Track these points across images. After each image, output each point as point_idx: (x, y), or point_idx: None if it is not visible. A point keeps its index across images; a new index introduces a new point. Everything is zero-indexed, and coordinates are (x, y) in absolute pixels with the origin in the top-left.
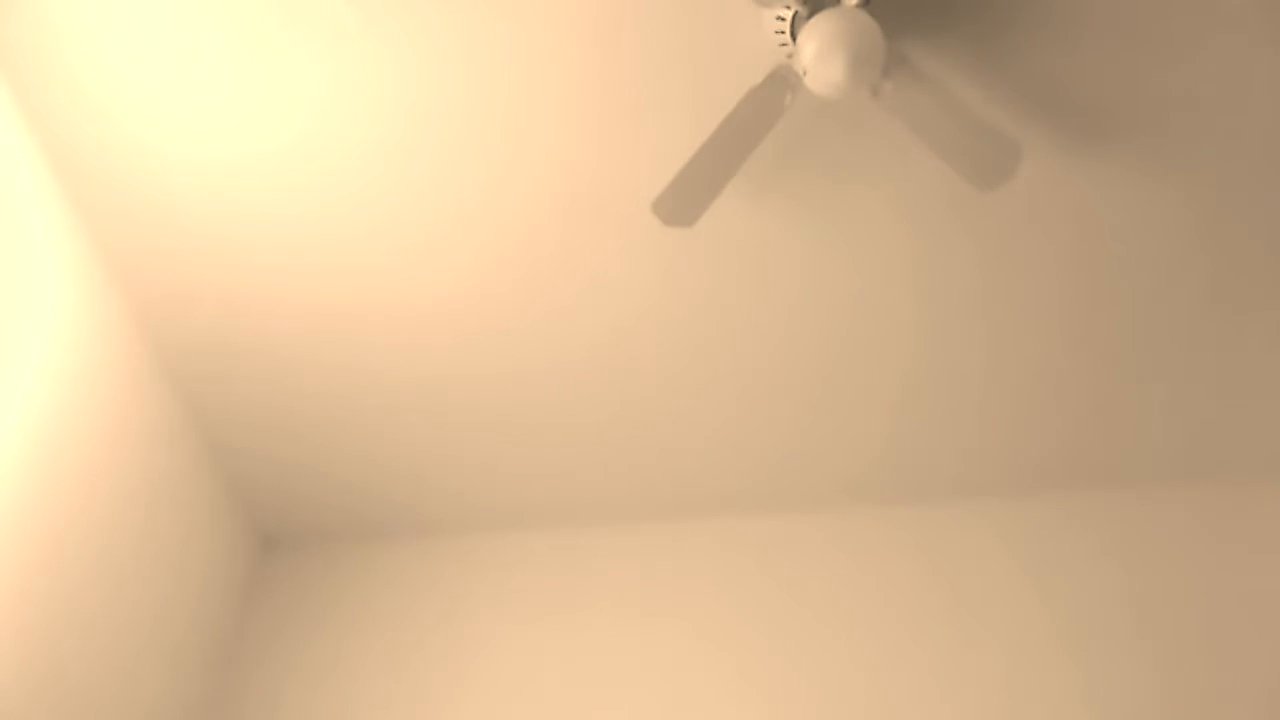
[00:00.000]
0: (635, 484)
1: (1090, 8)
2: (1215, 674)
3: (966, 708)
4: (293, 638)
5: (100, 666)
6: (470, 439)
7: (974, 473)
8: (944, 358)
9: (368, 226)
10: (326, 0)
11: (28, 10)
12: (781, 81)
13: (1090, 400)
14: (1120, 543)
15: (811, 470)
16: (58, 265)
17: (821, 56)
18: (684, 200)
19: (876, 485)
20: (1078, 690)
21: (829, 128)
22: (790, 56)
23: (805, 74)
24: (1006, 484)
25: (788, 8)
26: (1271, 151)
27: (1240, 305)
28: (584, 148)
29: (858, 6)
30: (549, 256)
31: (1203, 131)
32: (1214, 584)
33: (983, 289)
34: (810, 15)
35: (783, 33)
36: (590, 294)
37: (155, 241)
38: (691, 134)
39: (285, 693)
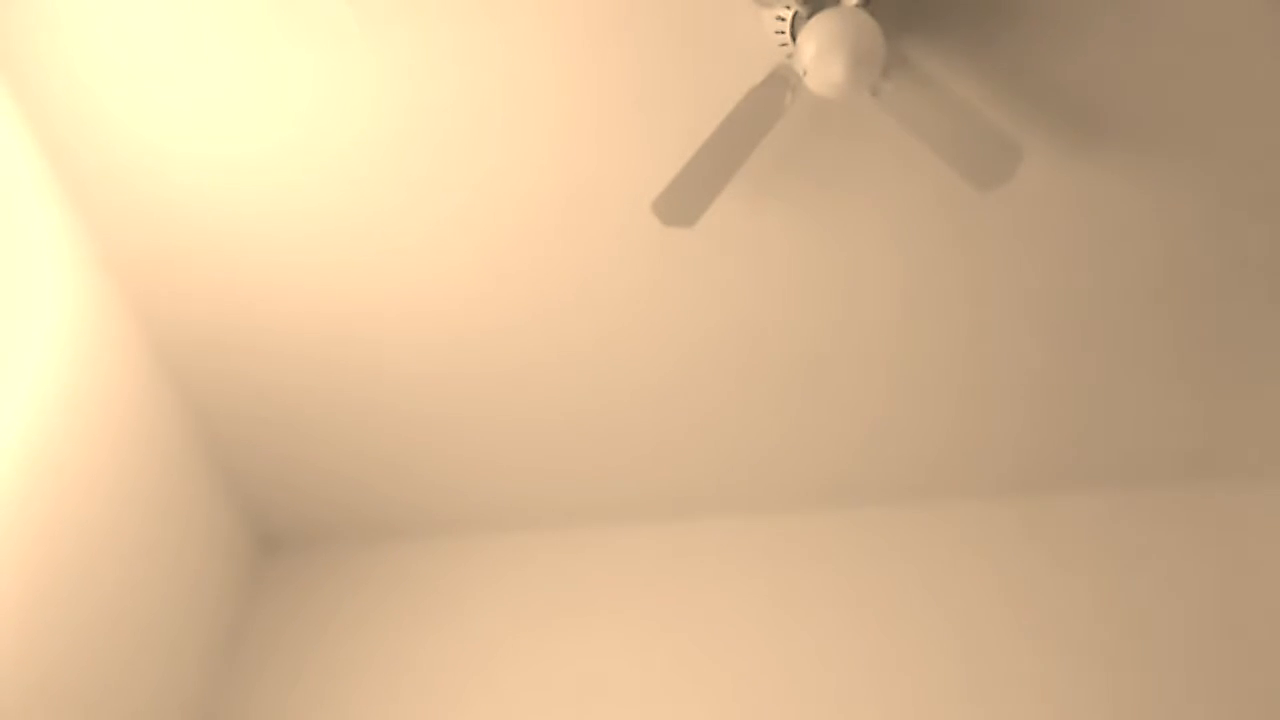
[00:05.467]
0: (634, 483)
1: (1090, 8)
2: (1213, 674)
3: (955, 709)
4: (293, 638)
5: (99, 666)
6: (470, 438)
7: (973, 472)
8: (943, 358)
9: (367, 224)
10: None
11: (28, 10)
12: (781, 81)
13: (1089, 400)
14: (1118, 543)
15: (811, 470)
16: (58, 265)
17: (821, 56)
18: (684, 200)
19: (877, 485)
20: (1074, 692)
21: (829, 128)
22: (790, 56)
23: (805, 74)
24: (1003, 485)
25: (788, 8)
26: (1272, 151)
27: (1240, 306)
28: (583, 147)
29: (858, 6)
30: (548, 255)
31: (1203, 132)
32: (1212, 584)
33: (982, 289)
34: (810, 15)
35: (783, 33)
36: (590, 293)
37: (155, 240)
38: (691, 134)
39: (285, 692)
